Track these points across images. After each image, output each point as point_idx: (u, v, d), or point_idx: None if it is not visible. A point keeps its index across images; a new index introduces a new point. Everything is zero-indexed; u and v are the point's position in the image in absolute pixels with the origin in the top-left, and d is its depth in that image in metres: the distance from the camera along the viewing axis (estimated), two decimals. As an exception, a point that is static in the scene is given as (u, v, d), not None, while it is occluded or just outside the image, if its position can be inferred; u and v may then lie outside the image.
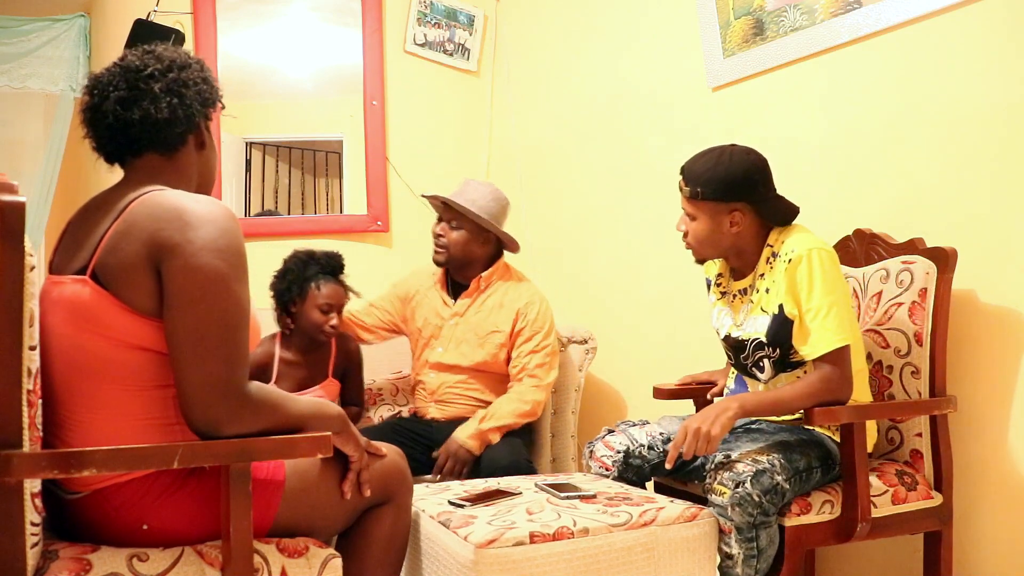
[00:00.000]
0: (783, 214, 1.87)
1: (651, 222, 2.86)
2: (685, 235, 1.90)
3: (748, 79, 2.50)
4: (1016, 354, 1.87)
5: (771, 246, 1.87)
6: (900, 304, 1.94)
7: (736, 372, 2.05)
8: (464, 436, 2.36)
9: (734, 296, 1.97)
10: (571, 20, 3.24)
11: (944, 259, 1.88)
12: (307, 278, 2.43)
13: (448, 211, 2.54)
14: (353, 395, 2.58)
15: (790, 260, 1.78)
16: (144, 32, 2.90)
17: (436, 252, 2.57)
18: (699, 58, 2.64)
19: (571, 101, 3.24)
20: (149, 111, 1.36)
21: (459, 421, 2.44)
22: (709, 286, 2.08)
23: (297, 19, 3.33)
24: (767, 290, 1.85)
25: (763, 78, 2.46)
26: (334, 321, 2.42)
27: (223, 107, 1.53)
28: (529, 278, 2.69)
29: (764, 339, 1.85)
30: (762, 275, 1.87)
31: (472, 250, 2.55)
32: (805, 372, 1.82)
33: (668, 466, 1.71)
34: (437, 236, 2.56)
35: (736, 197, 1.81)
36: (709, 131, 2.62)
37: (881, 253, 2.04)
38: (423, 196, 2.67)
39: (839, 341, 1.73)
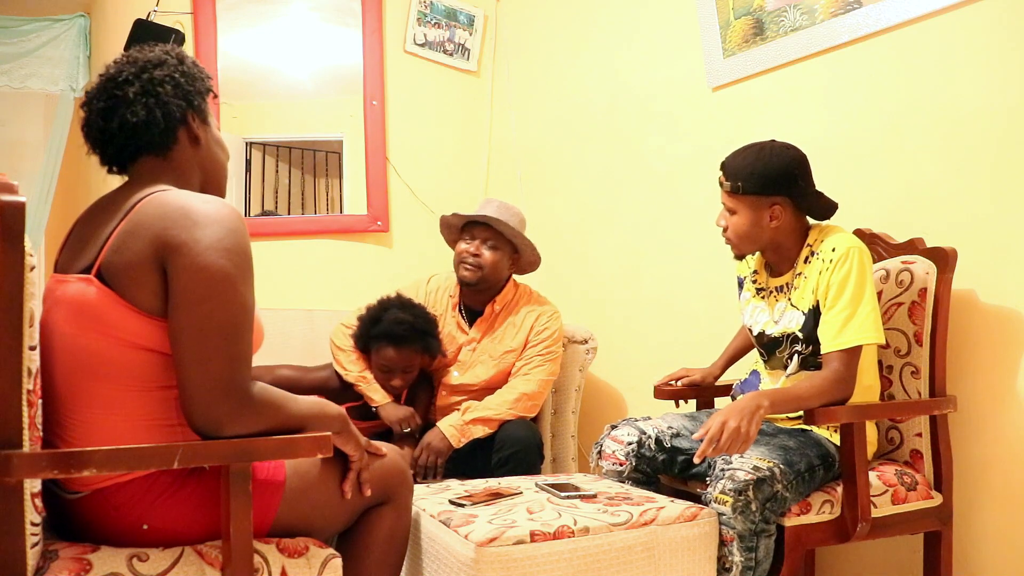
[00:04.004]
0: (822, 209, 1.89)
1: (651, 222, 2.86)
2: (725, 230, 1.92)
3: (748, 79, 2.50)
4: (1016, 354, 1.87)
5: (810, 245, 1.89)
6: (900, 304, 1.94)
7: (754, 368, 2.06)
8: (445, 425, 2.36)
9: (770, 293, 1.98)
10: (571, 20, 3.24)
11: (944, 259, 1.88)
12: (372, 337, 2.44)
13: (485, 230, 2.50)
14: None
15: (831, 259, 1.80)
16: (144, 32, 2.90)
17: (467, 270, 2.50)
18: (699, 58, 2.64)
19: (571, 101, 3.24)
20: (125, 117, 1.36)
21: None
22: (741, 284, 2.09)
23: (297, 19, 3.33)
24: (800, 288, 1.88)
25: (763, 78, 2.46)
26: (396, 382, 2.44)
27: (215, 96, 1.52)
28: (539, 291, 2.68)
29: (800, 335, 1.87)
30: (799, 273, 1.89)
31: (502, 270, 2.55)
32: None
33: (697, 460, 1.69)
34: (470, 255, 2.50)
35: (775, 191, 1.84)
36: (709, 131, 2.62)
37: (881, 253, 2.04)
38: (457, 215, 2.57)
39: (857, 340, 1.76)
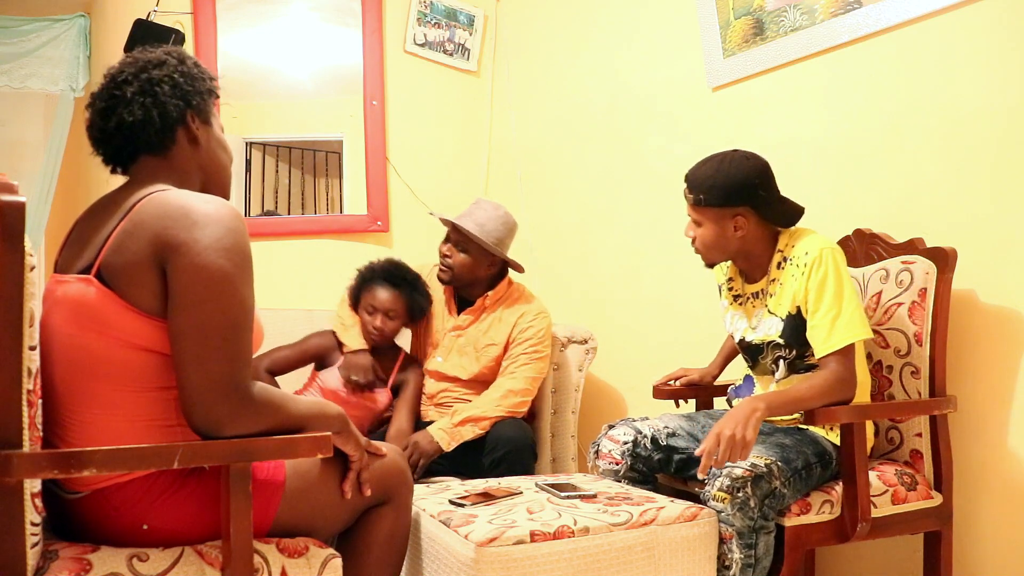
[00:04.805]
0: (787, 216, 1.90)
1: (651, 222, 2.86)
2: (693, 241, 1.94)
3: (748, 79, 2.50)
4: (1016, 354, 1.87)
5: (781, 251, 1.90)
6: (900, 304, 1.94)
7: (747, 372, 2.06)
8: (436, 428, 2.37)
9: (747, 299, 1.99)
10: (571, 20, 3.24)
11: (944, 259, 1.88)
12: (366, 281, 2.56)
13: (456, 233, 2.54)
14: (399, 410, 2.53)
15: (806, 263, 1.80)
16: (144, 32, 2.90)
17: (441, 271, 2.57)
18: (699, 58, 2.64)
19: (571, 101, 3.24)
20: (123, 116, 1.37)
21: None
22: (721, 291, 2.10)
23: (297, 19, 3.33)
24: (776, 294, 1.88)
25: (763, 78, 2.46)
26: (377, 323, 2.51)
27: (217, 96, 1.51)
28: (534, 292, 2.68)
29: (780, 340, 1.87)
30: (774, 279, 1.90)
31: (476, 272, 2.55)
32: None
33: (700, 475, 1.69)
34: (443, 256, 2.56)
35: (737, 202, 1.85)
36: (709, 131, 2.62)
37: (881, 253, 2.04)
38: (431, 214, 2.68)
39: (849, 338, 1.76)
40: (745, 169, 1.85)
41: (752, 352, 1.98)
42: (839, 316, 1.77)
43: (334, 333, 2.61)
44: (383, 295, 2.52)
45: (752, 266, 1.95)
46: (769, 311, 1.91)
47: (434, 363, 2.60)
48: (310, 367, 2.63)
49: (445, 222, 2.60)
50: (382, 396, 2.56)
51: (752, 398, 1.73)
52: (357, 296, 2.58)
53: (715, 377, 2.28)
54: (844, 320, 1.76)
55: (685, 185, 1.91)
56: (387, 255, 3.32)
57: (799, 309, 1.83)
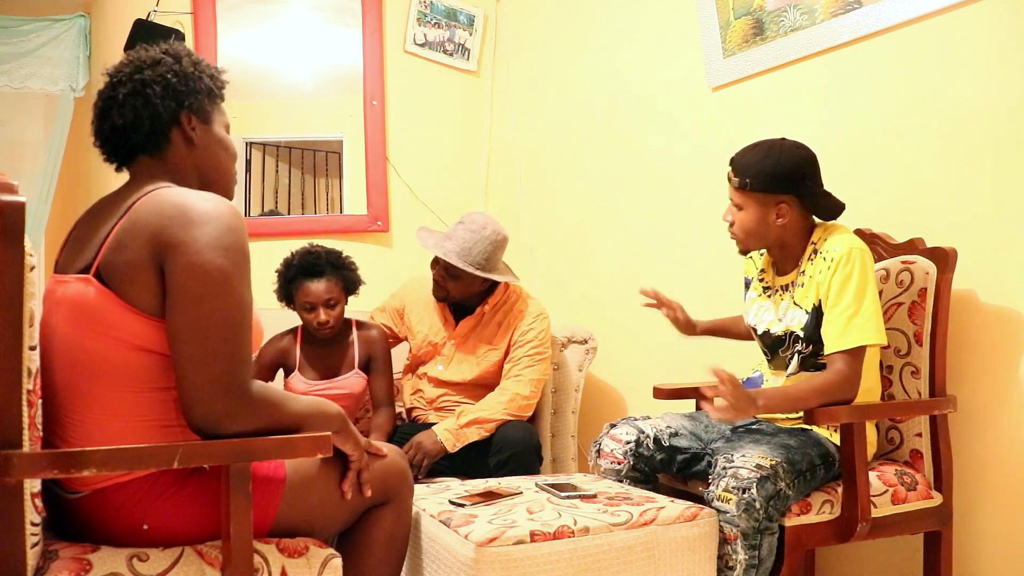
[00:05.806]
0: (829, 209, 1.90)
1: (651, 222, 2.86)
2: (731, 225, 1.93)
3: (748, 79, 2.50)
4: (1016, 354, 1.87)
5: (814, 243, 1.89)
6: (900, 304, 1.94)
7: (758, 369, 2.06)
8: (441, 428, 2.36)
9: (776, 291, 1.98)
10: (571, 20, 3.24)
11: (944, 259, 1.88)
12: (289, 282, 2.47)
13: (444, 258, 2.47)
14: (377, 389, 2.53)
15: (833, 258, 1.80)
16: (144, 32, 2.90)
17: (436, 290, 2.54)
18: (699, 58, 2.64)
19: (571, 101, 3.24)
20: (115, 119, 1.38)
21: None
22: (748, 285, 2.09)
23: (297, 19, 3.33)
24: (804, 286, 1.88)
25: (763, 78, 2.46)
26: (321, 317, 2.43)
27: (219, 94, 1.51)
28: (533, 292, 2.66)
29: (801, 333, 1.87)
30: (803, 271, 1.90)
31: (470, 290, 2.53)
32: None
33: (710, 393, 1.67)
34: (435, 280, 2.53)
35: (783, 190, 1.84)
36: (709, 131, 2.62)
37: (881, 253, 2.04)
38: (419, 234, 2.58)
39: (861, 340, 1.75)
40: (795, 158, 1.85)
41: (773, 345, 1.97)
42: (856, 315, 1.76)
43: (279, 335, 2.57)
44: (315, 288, 2.42)
45: (785, 257, 1.95)
46: (795, 303, 1.90)
47: (435, 371, 2.59)
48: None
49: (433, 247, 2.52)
50: (354, 380, 2.51)
51: (755, 390, 1.73)
52: (288, 297, 2.49)
53: (693, 330, 2.26)
54: (860, 321, 1.76)
55: (730, 168, 1.90)
56: (387, 255, 3.33)
57: (820, 303, 1.83)
